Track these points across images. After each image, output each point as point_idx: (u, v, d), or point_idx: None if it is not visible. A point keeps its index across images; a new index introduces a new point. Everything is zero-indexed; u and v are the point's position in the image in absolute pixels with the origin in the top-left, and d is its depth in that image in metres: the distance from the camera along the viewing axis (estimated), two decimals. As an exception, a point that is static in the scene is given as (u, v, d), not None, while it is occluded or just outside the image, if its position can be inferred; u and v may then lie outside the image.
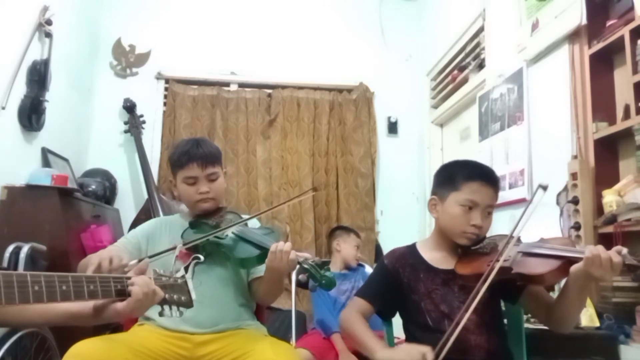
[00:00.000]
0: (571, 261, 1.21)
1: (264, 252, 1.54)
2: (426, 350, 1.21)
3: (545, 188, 1.31)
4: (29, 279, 0.81)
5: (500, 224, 2.50)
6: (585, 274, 1.18)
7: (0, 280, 0.77)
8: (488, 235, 1.49)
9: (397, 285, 1.45)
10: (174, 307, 1.10)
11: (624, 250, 1.16)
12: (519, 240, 1.37)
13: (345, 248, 2.69)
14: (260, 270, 1.65)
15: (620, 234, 1.75)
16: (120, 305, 1.05)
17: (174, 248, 1.46)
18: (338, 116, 3.83)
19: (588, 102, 2.05)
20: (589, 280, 1.21)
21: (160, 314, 1.10)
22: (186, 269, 1.16)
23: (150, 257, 1.54)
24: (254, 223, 1.81)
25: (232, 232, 1.64)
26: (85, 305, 1.09)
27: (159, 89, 3.78)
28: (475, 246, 1.44)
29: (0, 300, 0.77)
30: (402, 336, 1.54)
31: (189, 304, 1.13)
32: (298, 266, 1.51)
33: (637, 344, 1.65)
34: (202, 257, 1.21)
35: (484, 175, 1.45)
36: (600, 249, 1.16)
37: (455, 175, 1.46)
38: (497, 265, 1.26)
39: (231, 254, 1.59)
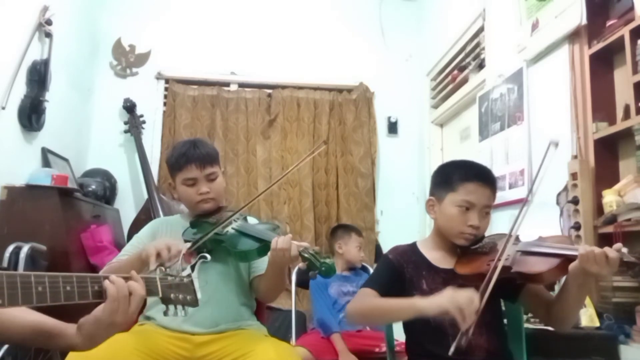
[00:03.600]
0: (570, 259, 1.21)
1: (264, 244, 1.54)
2: (472, 294, 1.17)
3: (556, 144, 1.30)
4: (33, 280, 0.80)
5: (500, 224, 2.50)
6: (582, 271, 1.18)
7: (3, 281, 0.76)
8: (487, 234, 1.49)
9: (401, 280, 1.45)
10: (179, 307, 1.09)
11: (624, 249, 1.16)
12: (517, 239, 1.36)
13: (348, 250, 2.66)
14: (261, 267, 1.66)
15: (620, 234, 1.75)
16: (97, 310, 0.99)
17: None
18: (338, 116, 3.83)
19: (588, 102, 2.05)
20: (587, 277, 1.21)
21: (165, 314, 1.09)
22: (192, 267, 1.16)
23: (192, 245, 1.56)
24: (253, 221, 1.82)
25: (232, 228, 1.65)
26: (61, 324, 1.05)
27: (159, 89, 3.78)
28: (474, 246, 1.44)
29: (3, 301, 0.76)
30: (402, 338, 1.54)
31: (194, 303, 1.12)
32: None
33: (637, 344, 1.65)
34: (209, 257, 1.21)
35: (480, 176, 1.45)
36: (593, 246, 1.17)
37: (451, 176, 1.46)
38: (500, 265, 1.26)
39: (232, 248, 1.60)
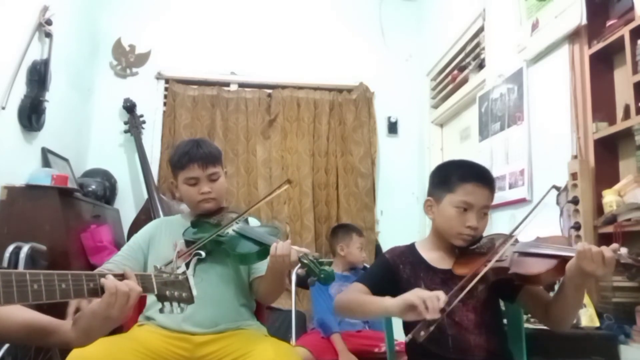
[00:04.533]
0: (567, 260, 1.21)
1: (264, 248, 1.54)
2: (439, 293, 1.19)
3: (559, 189, 1.31)
4: (28, 278, 0.80)
5: (500, 224, 2.50)
6: (579, 270, 1.17)
7: None
8: (485, 234, 1.48)
9: (396, 281, 1.45)
10: (175, 304, 1.10)
11: (622, 250, 1.16)
12: (515, 240, 1.36)
13: (350, 252, 2.63)
14: (261, 269, 1.66)
15: (620, 234, 1.75)
16: (94, 304, 0.99)
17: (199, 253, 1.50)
18: (338, 116, 3.83)
19: (588, 102, 2.05)
20: (584, 277, 1.20)
21: (161, 311, 1.09)
22: (187, 265, 1.16)
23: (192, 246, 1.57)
24: (254, 223, 1.82)
25: (233, 230, 1.65)
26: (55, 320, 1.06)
27: (159, 89, 3.78)
28: (472, 246, 1.44)
29: None
30: (402, 338, 1.54)
31: (190, 300, 1.13)
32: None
33: (637, 344, 1.65)
34: (203, 253, 1.21)
35: (478, 176, 1.45)
36: (591, 245, 1.16)
37: (450, 176, 1.46)
38: (491, 262, 1.26)
39: (232, 250, 1.60)
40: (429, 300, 1.16)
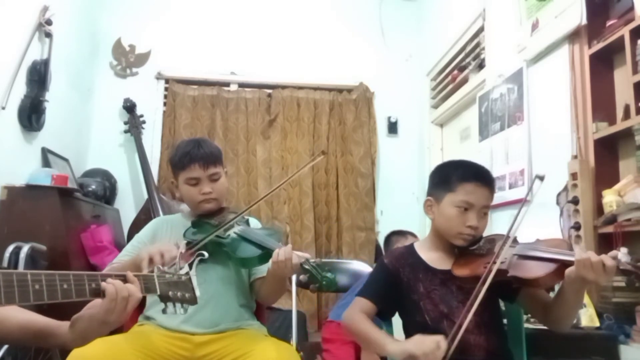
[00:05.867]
0: (566, 264, 1.20)
1: (265, 252, 1.54)
2: (439, 339, 1.19)
3: (542, 178, 1.31)
4: (29, 278, 0.80)
5: (500, 224, 2.50)
6: (579, 277, 1.17)
7: (0, 280, 0.76)
8: (485, 234, 1.48)
9: (397, 285, 1.45)
10: (178, 304, 1.10)
11: (620, 254, 1.16)
12: (515, 241, 1.36)
13: None
14: (262, 270, 1.65)
15: (620, 234, 1.75)
16: (91, 308, 1.00)
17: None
18: (338, 116, 3.83)
19: (588, 102, 2.05)
20: (584, 283, 1.20)
21: (164, 311, 1.09)
22: (190, 265, 1.16)
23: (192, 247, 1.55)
24: (255, 224, 1.81)
25: (234, 232, 1.64)
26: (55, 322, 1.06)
27: (159, 89, 3.79)
28: (471, 247, 1.44)
29: (0, 299, 0.76)
30: (402, 338, 1.54)
31: (193, 301, 1.12)
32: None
33: (637, 344, 1.65)
34: (206, 254, 1.21)
35: (479, 176, 1.44)
36: (590, 253, 1.16)
37: (450, 176, 1.46)
38: (495, 268, 1.26)
39: (233, 253, 1.59)
40: (432, 354, 1.17)
